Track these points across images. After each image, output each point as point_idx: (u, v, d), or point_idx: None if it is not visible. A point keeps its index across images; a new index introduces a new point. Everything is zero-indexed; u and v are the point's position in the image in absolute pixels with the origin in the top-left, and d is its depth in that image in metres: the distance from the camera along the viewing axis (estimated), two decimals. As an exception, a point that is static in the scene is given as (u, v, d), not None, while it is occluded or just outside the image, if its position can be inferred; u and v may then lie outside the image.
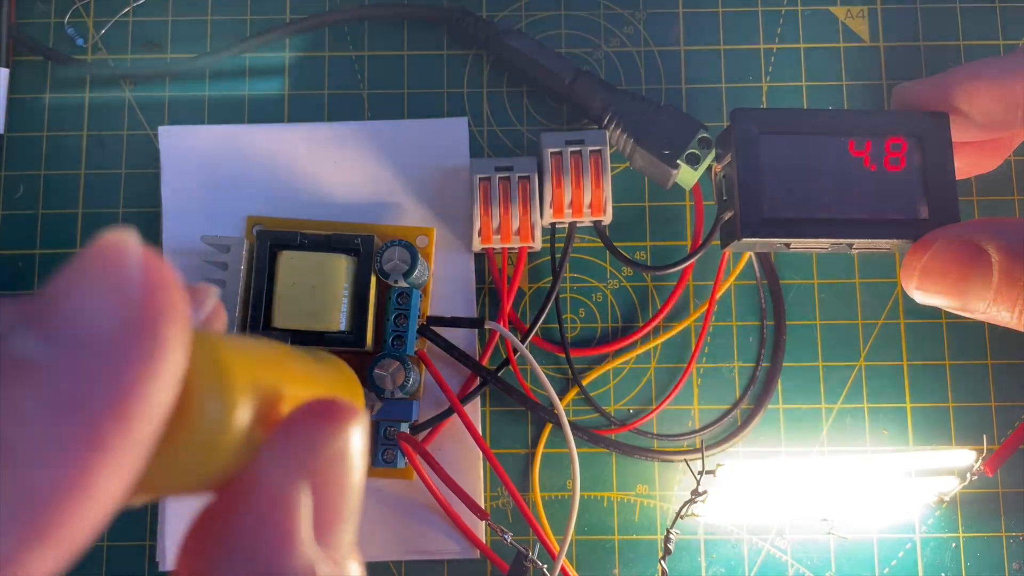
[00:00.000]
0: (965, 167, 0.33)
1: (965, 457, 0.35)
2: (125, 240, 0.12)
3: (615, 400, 0.36)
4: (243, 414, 0.15)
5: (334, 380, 0.23)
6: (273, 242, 0.33)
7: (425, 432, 0.34)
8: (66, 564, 0.12)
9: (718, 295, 0.36)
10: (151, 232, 0.37)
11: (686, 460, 0.35)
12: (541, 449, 0.35)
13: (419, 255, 0.33)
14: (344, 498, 0.16)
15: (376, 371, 0.32)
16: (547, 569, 0.33)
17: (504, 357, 0.35)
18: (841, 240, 0.29)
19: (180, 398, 0.13)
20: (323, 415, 0.16)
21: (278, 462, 0.16)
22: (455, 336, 0.34)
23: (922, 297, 0.29)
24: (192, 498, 0.16)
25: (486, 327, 0.34)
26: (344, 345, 0.33)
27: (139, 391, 0.12)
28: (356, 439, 0.16)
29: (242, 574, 0.15)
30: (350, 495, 0.16)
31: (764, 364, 0.36)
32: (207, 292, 0.17)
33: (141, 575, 0.35)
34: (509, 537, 0.33)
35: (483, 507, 0.34)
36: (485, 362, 0.35)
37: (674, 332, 0.36)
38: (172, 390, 0.12)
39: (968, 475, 0.34)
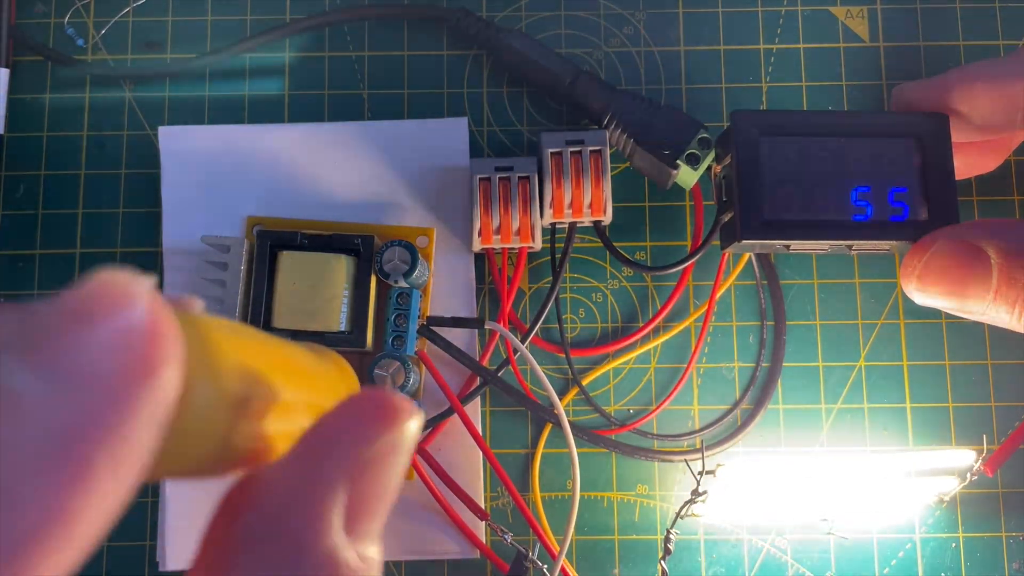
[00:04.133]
0: (965, 167, 0.33)
1: (965, 457, 0.35)
2: (132, 281, 0.12)
3: (615, 400, 0.36)
4: (230, 396, 0.15)
5: (331, 372, 0.23)
6: (273, 242, 0.33)
7: (425, 432, 0.34)
8: None
9: (718, 295, 0.36)
10: (151, 232, 0.37)
11: (686, 460, 0.35)
12: (541, 449, 0.36)
13: (419, 255, 0.33)
14: (382, 496, 0.16)
15: (376, 371, 0.32)
16: (547, 569, 0.33)
17: (504, 357, 0.35)
18: (841, 242, 0.30)
19: None
20: (379, 408, 0.16)
21: (325, 445, 0.15)
22: (455, 336, 0.35)
23: (921, 298, 0.29)
24: (190, 484, 0.16)
25: (486, 327, 0.34)
26: (344, 345, 0.33)
27: (132, 433, 0.11)
28: (409, 438, 0.16)
29: (269, 550, 0.15)
30: (388, 493, 0.16)
31: (764, 364, 0.36)
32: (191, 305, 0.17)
33: (141, 575, 0.35)
34: (509, 537, 0.33)
35: (483, 507, 0.34)
36: (485, 362, 0.35)
37: (674, 332, 0.36)
38: (162, 424, 0.12)
39: (968, 475, 0.34)
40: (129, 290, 0.12)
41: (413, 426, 0.16)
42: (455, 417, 0.34)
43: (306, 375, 0.19)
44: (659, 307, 0.36)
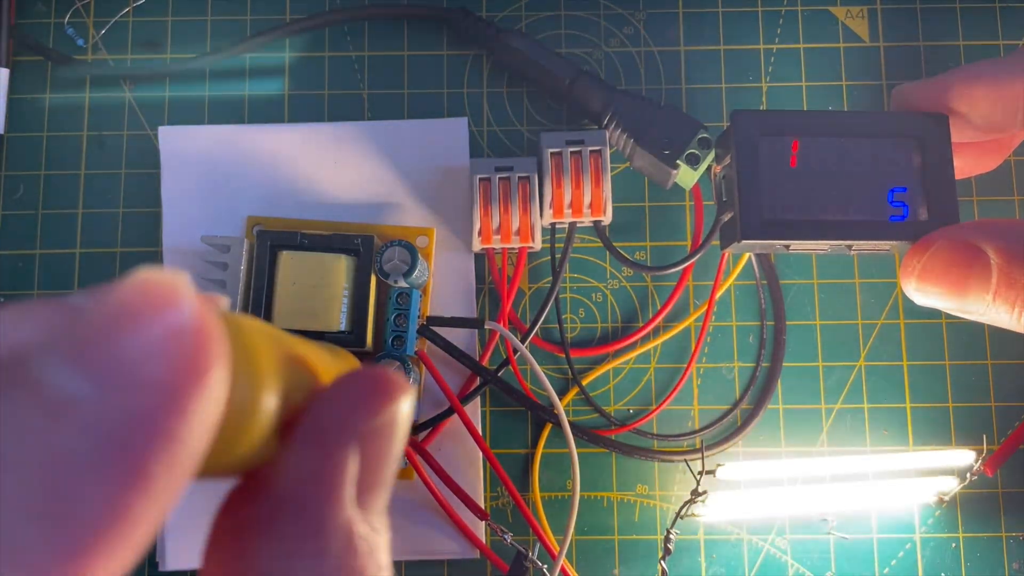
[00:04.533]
0: (965, 167, 0.33)
1: (965, 457, 0.35)
2: (174, 279, 0.12)
3: (615, 400, 0.36)
4: (270, 398, 0.14)
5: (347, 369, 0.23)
6: (273, 242, 0.34)
7: (425, 432, 0.34)
8: None
9: (718, 295, 0.36)
10: (151, 232, 0.37)
11: (686, 460, 0.35)
12: (541, 449, 0.36)
13: (419, 255, 0.33)
14: (387, 465, 0.17)
15: (376, 371, 0.32)
16: (547, 569, 0.33)
17: (504, 357, 0.35)
18: (841, 242, 0.30)
19: None
20: (380, 382, 0.16)
21: (334, 420, 0.16)
22: (455, 336, 0.35)
23: (921, 298, 0.29)
24: (214, 482, 0.16)
25: (486, 327, 0.34)
26: (344, 345, 0.33)
27: (185, 436, 0.11)
28: (406, 411, 0.17)
29: (288, 527, 0.15)
30: (392, 463, 0.17)
31: (764, 364, 0.36)
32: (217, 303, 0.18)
33: (141, 575, 0.35)
34: (509, 537, 0.33)
35: (483, 507, 0.34)
36: (485, 362, 0.35)
37: (674, 332, 0.36)
38: (212, 425, 0.12)
39: (968, 475, 0.34)
40: (173, 289, 0.12)
41: (409, 398, 0.17)
42: (455, 417, 0.34)
43: (330, 372, 0.19)
44: (659, 307, 0.36)
